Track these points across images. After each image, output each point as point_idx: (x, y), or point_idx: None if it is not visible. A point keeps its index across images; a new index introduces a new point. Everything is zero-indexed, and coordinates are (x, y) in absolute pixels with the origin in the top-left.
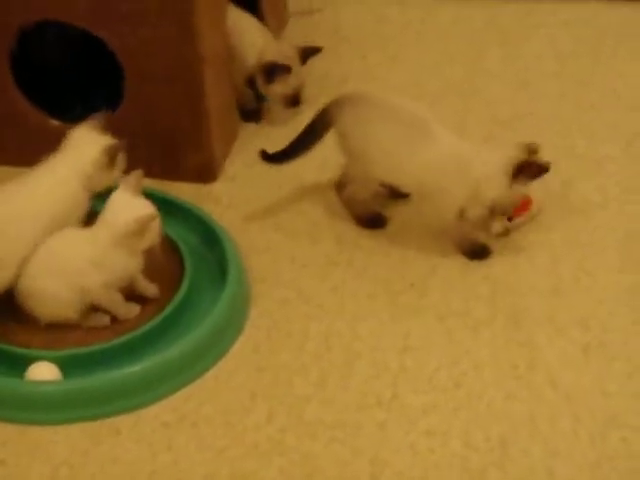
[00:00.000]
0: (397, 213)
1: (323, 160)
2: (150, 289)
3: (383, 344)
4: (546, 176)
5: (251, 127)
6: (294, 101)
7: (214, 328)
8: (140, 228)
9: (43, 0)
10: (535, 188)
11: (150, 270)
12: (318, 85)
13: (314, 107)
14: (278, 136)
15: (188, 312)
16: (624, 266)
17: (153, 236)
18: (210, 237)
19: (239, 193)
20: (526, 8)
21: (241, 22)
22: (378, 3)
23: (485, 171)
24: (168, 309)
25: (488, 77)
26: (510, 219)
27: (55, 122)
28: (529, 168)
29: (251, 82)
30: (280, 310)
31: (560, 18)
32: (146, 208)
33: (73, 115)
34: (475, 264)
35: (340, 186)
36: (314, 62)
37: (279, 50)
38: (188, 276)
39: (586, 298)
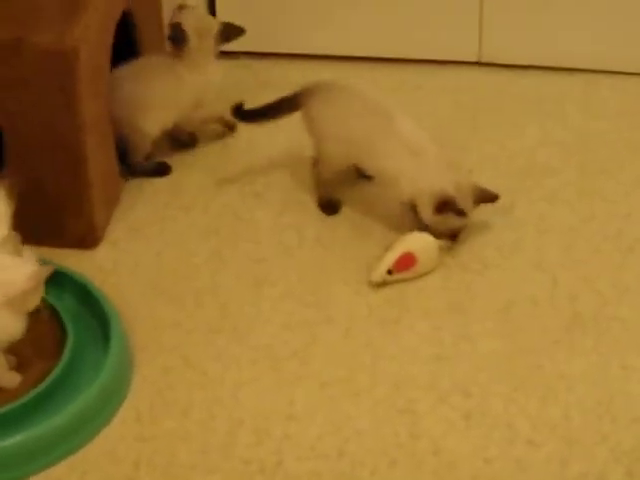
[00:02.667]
0: (282, 278)
1: (206, 229)
2: (9, 380)
3: (267, 411)
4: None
5: (133, 192)
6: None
7: (96, 398)
8: (37, 284)
9: None
10: (421, 249)
11: (31, 337)
12: None
13: None
14: (159, 201)
15: (70, 381)
16: (502, 333)
17: (39, 295)
18: (91, 304)
19: (121, 258)
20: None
21: None
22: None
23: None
24: (49, 378)
25: None
26: (390, 272)
27: None
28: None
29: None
30: (163, 378)
31: (438, 83)
32: (34, 265)
33: None
34: (357, 331)
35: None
36: None
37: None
38: (70, 344)
39: (467, 365)
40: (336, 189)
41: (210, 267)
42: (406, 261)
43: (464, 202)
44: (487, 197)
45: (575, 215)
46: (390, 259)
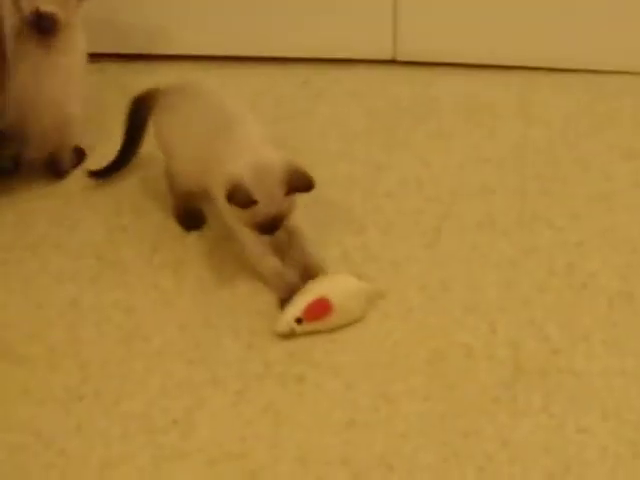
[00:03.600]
0: (157, 331)
1: (61, 273)
2: None
3: None
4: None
5: None
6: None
7: None
8: None
9: None
10: (339, 294)
11: None
12: None
13: None
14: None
15: None
16: (430, 392)
17: None
18: None
19: None
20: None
21: None
22: None
23: None
24: None
25: None
26: (300, 321)
27: None
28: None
29: None
30: (14, 459)
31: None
32: None
33: None
34: (251, 394)
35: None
36: None
37: None
38: None
39: (388, 432)
40: (197, 198)
41: (67, 320)
42: (320, 308)
43: (263, 187)
44: (299, 184)
45: (515, 246)
46: (301, 304)
